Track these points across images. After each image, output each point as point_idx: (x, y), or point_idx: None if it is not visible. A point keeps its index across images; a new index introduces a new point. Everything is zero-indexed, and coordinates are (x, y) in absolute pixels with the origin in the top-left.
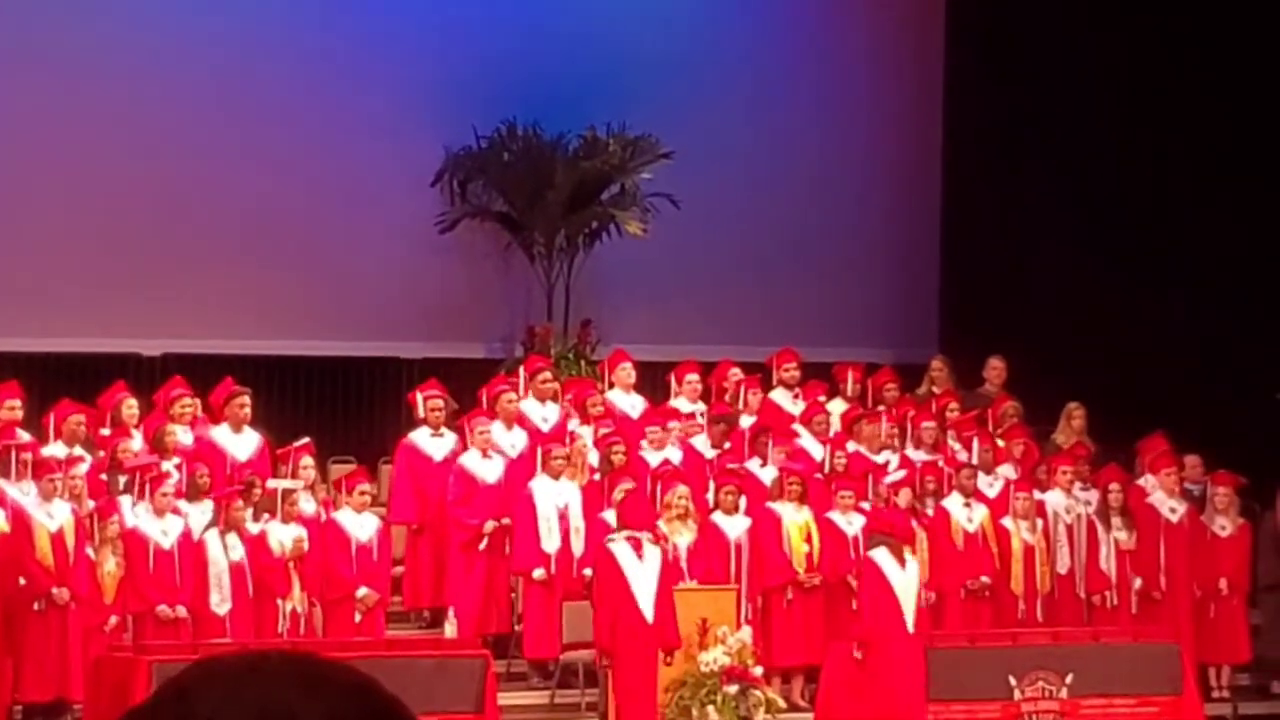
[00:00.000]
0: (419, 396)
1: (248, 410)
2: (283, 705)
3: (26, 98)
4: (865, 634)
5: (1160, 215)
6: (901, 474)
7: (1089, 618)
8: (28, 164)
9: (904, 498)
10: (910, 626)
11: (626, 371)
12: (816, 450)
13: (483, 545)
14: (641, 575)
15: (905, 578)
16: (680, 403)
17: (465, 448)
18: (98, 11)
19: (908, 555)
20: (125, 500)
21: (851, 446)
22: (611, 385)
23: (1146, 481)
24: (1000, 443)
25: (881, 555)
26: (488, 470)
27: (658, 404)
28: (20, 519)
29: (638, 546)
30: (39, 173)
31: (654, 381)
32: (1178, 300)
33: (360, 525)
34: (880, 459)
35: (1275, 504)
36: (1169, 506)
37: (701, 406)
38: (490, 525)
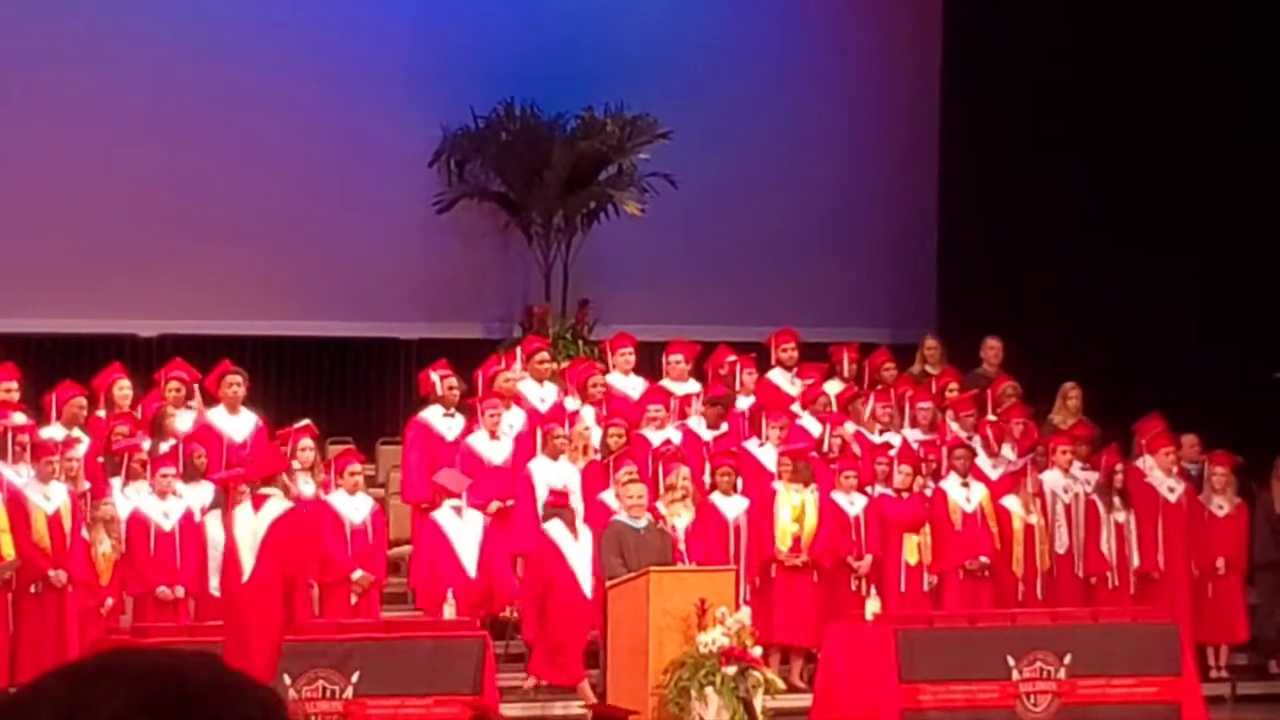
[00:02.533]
0: (434, 376)
1: (238, 390)
2: (85, 703)
3: (23, 83)
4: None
5: (1156, 195)
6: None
7: (1088, 598)
8: (24, 147)
9: (901, 478)
10: None
11: (626, 356)
12: (815, 430)
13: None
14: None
15: None
16: (667, 383)
17: (472, 429)
18: (96, 2)
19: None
20: (115, 482)
21: (850, 427)
22: (612, 367)
23: (1144, 462)
24: (993, 418)
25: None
26: (494, 451)
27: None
28: (17, 501)
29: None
30: (36, 155)
31: (652, 361)
32: (1174, 281)
33: (354, 507)
34: (880, 440)
35: (1270, 483)
36: (1167, 486)
37: (691, 386)
38: (494, 506)
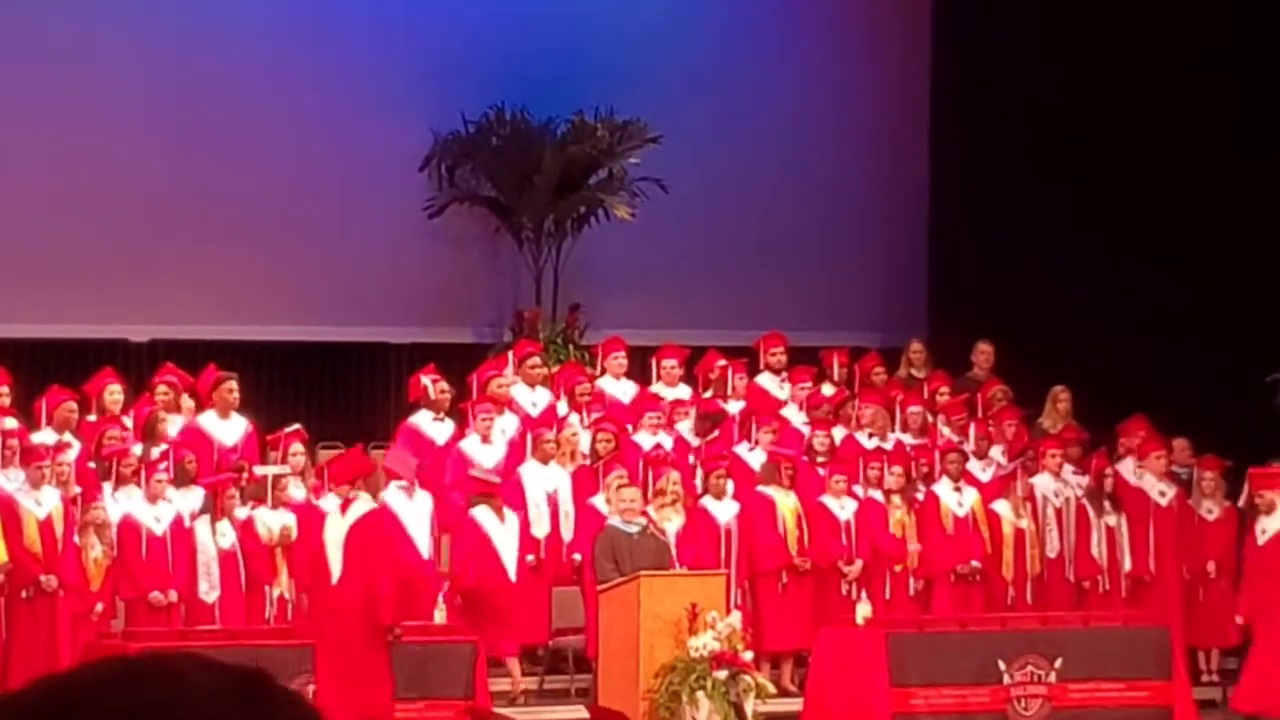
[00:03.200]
0: (424, 380)
1: (235, 394)
2: (158, 699)
3: (13, 86)
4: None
5: (1147, 198)
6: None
7: (1079, 602)
8: (15, 152)
9: (894, 479)
10: None
11: (619, 361)
12: (804, 433)
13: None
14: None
15: None
16: (659, 388)
17: (463, 433)
18: (88, 4)
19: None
20: (106, 487)
21: (839, 431)
22: (603, 371)
23: (1125, 465)
24: (989, 425)
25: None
26: (486, 456)
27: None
28: (7, 506)
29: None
30: (26, 160)
31: (643, 365)
32: (1165, 284)
33: None
34: (870, 444)
35: (1242, 489)
36: (1159, 490)
37: (682, 391)
38: None
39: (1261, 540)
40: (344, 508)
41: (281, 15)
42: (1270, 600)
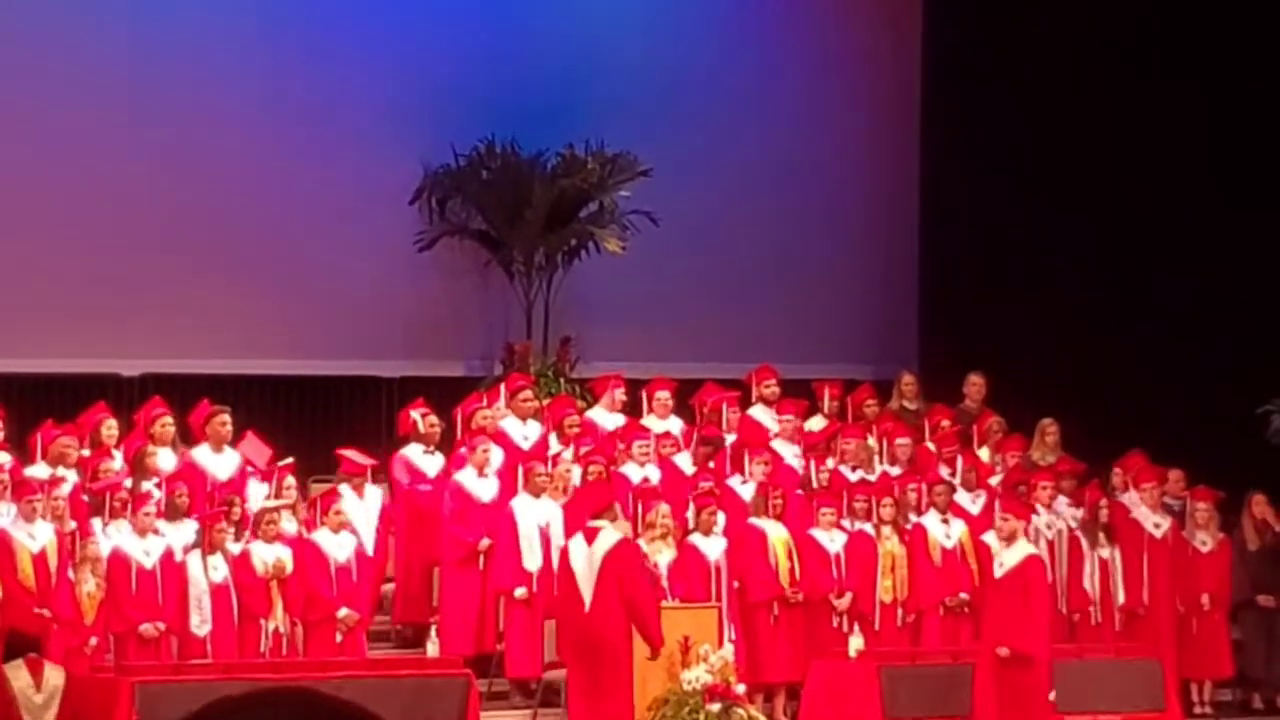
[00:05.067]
0: (414, 414)
1: (229, 428)
2: None
3: (7, 122)
4: None
5: (1137, 232)
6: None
7: (1071, 634)
8: (5, 188)
9: (887, 511)
10: None
11: (619, 397)
12: (794, 465)
13: (481, 564)
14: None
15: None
16: (651, 420)
17: (454, 466)
18: (77, 34)
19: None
20: (97, 521)
21: (831, 463)
22: (598, 405)
23: (1128, 497)
24: (985, 456)
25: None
26: (483, 489)
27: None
28: (1, 540)
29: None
30: (19, 194)
31: (635, 399)
32: (1157, 315)
33: (338, 545)
34: (855, 476)
35: (1242, 519)
36: (1153, 522)
37: (673, 424)
38: (485, 543)
39: None
40: (589, 537)
41: (271, 49)
42: None
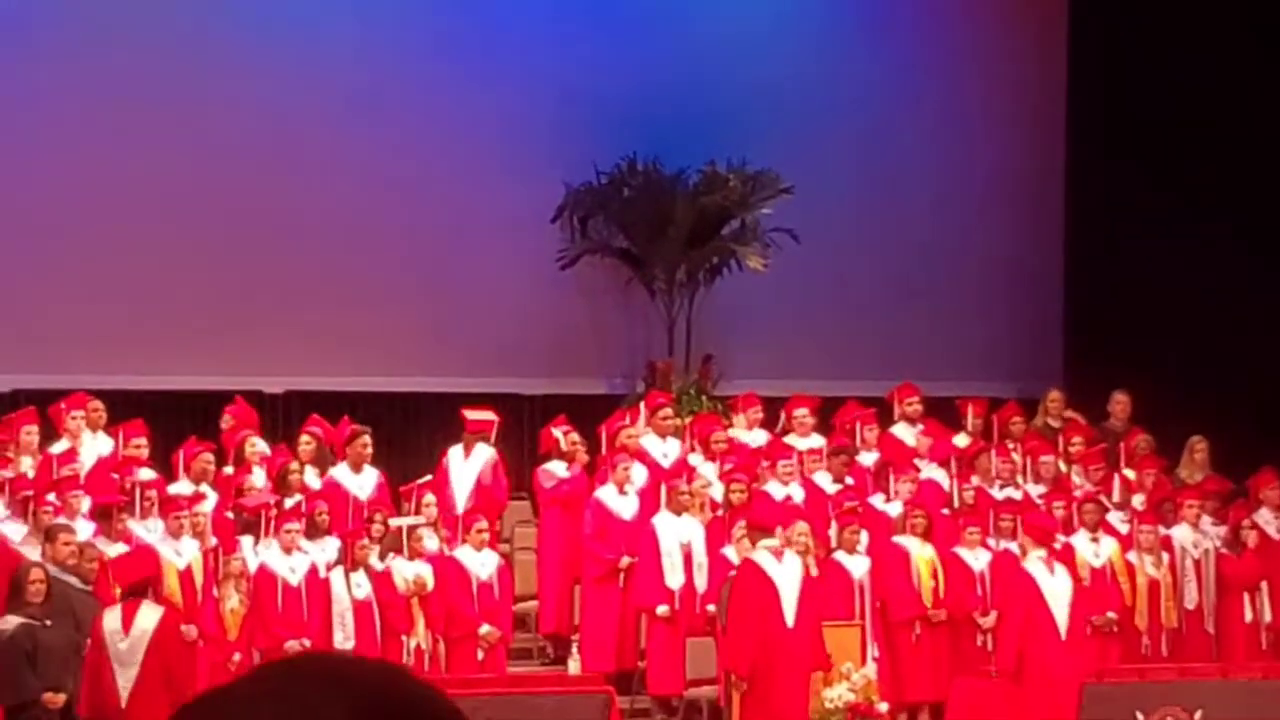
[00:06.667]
0: (556, 432)
1: (369, 449)
2: (306, 705)
3: (167, 143)
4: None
5: None
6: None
7: (1217, 653)
8: (162, 206)
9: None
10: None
11: (755, 416)
12: (939, 483)
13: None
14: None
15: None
16: (792, 439)
17: (594, 485)
18: (211, 45)
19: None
20: (246, 540)
21: (976, 481)
22: (736, 423)
23: (1260, 515)
24: (1130, 474)
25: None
26: (623, 506)
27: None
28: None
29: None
30: (172, 214)
31: (775, 417)
32: None
33: (480, 563)
34: (1001, 495)
35: None
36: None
37: (815, 441)
38: (626, 561)
39: None
40: (778, 554)
41: (417, 69)
42: None
